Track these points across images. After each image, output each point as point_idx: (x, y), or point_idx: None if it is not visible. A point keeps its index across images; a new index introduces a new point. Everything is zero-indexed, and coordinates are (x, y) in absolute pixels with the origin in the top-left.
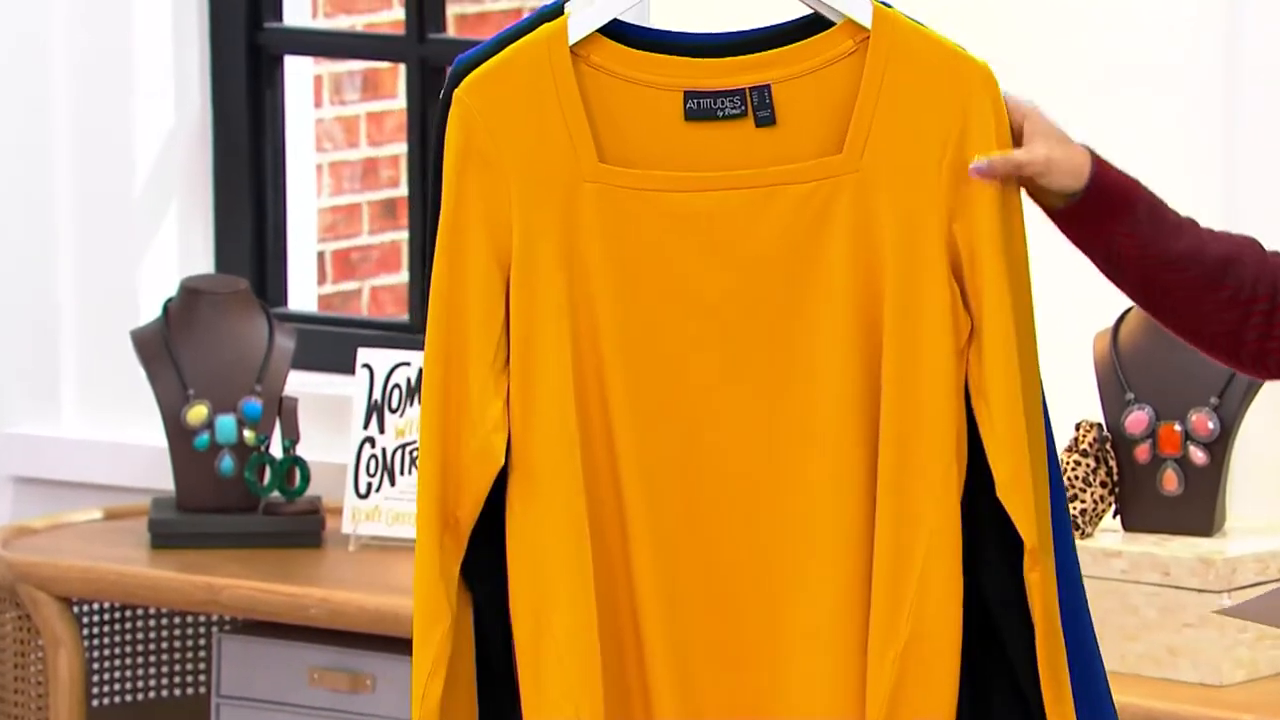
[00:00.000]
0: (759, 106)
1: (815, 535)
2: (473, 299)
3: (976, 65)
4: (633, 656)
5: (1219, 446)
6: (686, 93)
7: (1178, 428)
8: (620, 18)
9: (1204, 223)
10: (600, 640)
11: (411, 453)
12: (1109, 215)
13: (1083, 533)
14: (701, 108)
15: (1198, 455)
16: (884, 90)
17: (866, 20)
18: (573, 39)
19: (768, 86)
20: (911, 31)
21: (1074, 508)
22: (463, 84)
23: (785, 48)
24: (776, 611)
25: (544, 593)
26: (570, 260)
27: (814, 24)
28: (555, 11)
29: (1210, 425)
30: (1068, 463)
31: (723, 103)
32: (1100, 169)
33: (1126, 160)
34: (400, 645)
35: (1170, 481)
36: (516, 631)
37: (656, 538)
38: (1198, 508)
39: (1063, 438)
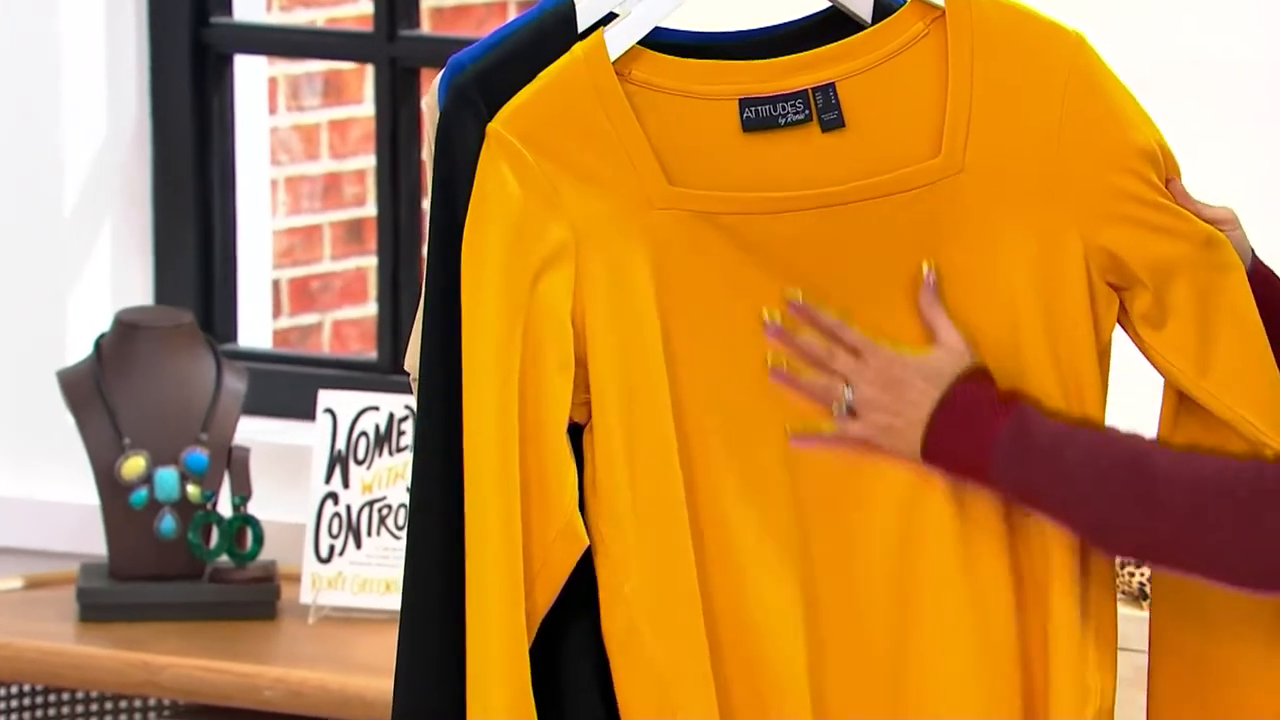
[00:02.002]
0: (824, 109)
1: (951, 592)
2: (549, 357)
3: (1069, 34)
4: None
5: None
6: (741, 101)
7: None
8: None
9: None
10: None
11: (380, 510)
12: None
13: (1150, 602)
14: (760, 116)
15: None
16: (977, 75)
17: None
18: (613, 55)
19: (832, 85)
20: (990, 3)
21: (1141, 574)
22: (500, 118)
23: (847, 40)
24: (912, 701)
25: (668, 689)
26: (654, 296)
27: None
28: (566, 9)
29: None
30: None
31: (783, 108)
32: (1259, 262)
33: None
34: None
35: None
36: None
37: (772, 602)
38: None
39: None
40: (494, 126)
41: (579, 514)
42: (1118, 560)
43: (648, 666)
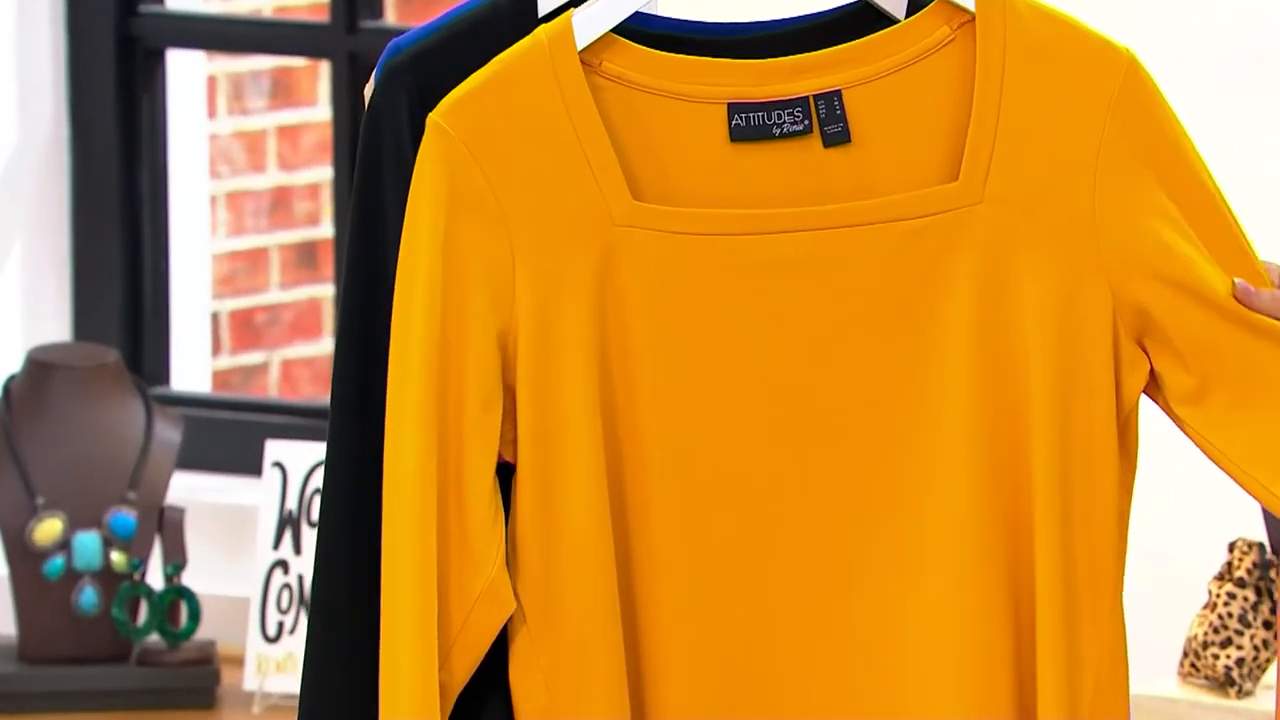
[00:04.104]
0: (827, 120)
1: (936, 676)
2: (471, 392)
3: (1119, 52)
4: None
5: None
6: (731, 105)
7: None
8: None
9: None
10: None
11: None
12: None
13: (1239, 689)
14: (751, 124)
15: None
16: (1006, 92)
17: None
18: (581, 43)
19: (837, 93)
20: (1029, 10)
21: (1227, 656)
22: (441, 108)
23: (859, 41)
24: None
25: None
26: (604, 328)
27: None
28: None
29: None
30: (1219, 595)
31: (779, 116)
32: None
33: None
34: None
35: None
36: None
37: (710, 684)
38: None
39: (1213, 561)
40: (433, 118)
41: (506, 573)
42: (1200, 639)
43: None
